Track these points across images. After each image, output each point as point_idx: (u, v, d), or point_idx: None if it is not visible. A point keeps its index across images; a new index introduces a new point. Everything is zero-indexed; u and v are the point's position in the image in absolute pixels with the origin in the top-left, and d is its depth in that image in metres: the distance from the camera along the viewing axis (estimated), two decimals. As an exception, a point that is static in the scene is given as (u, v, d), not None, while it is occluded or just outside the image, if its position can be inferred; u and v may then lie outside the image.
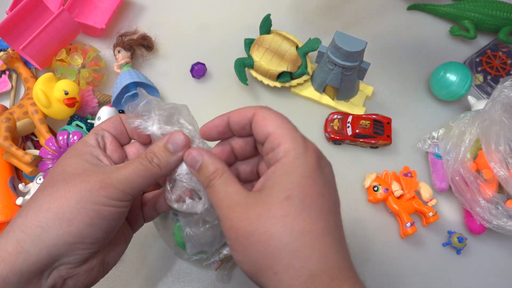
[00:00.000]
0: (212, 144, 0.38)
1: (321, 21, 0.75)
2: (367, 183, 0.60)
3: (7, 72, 0.67)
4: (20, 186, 0.57)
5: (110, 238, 0.35)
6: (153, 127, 0.36)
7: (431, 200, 0.59)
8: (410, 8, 0.77)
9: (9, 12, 0.67)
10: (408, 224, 0.57)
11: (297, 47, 0.67)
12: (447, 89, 0.65)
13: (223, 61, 0.69)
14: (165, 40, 0.71)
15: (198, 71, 0.68)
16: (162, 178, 0.37)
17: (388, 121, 0.64)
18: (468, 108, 0.66)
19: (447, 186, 0.60)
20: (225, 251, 0.52)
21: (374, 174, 0.61)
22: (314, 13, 0.75)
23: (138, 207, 0.40)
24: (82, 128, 0.62)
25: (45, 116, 0.60)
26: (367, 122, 0.63)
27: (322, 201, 0.30)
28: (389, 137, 0.63)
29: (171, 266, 0.57)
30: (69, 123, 0.63)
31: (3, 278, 0.30)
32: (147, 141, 0.38)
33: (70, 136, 0.56)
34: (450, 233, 0.59)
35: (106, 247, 0.36)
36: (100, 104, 0.64)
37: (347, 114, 0.65)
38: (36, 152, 0.58)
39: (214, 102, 0.68)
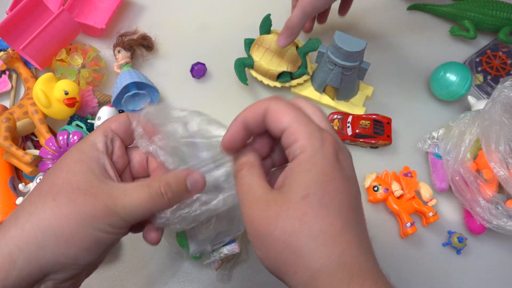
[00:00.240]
0: None
1: (321, 21, 0.75)
2: (367, 183, 0.60)
3: (7, 72, 0.67)
4: (20, 186, 0.57)
5: (103, 261, 0.35)
6: (167, 157, 0.35)
7: (431, 200, 0.59)
8: (410, 8, 0.76)
9: (9, 12, 0.67)
10: (408, 224, 0.57)
11: (297, 47, 0.67)
12: (447, 89, 0.65)
13: (223, 61, 0.69)
14: (165, 40, 0.71)
15: (198, 71, 0.68)
16: None
17: (388, 121, 0.64)
18: (468, 108, 0.66)
19: (447, 186, 0.60)
20: (225, 251, 0.52)
21: (374, 174, 0.61)
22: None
23: None
24: (82, 128, 0.62)
25: (45, 116, 0.60)
26: (367, 122, 0.63)
27: (341, 198, 0.30)
28: (389, 137, 0.63)
29: (171, 266, 0.57)
30: (69, 123, 0.63)
31: None
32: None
33: (70, 136, 0.56)
34: (450, 233, 0.59)
35: None
36: (100, 104, 0.64)
37: (347, 114, 0.65)
38: (36, 152, 0.58)
39: (214, 102, 0.68)
